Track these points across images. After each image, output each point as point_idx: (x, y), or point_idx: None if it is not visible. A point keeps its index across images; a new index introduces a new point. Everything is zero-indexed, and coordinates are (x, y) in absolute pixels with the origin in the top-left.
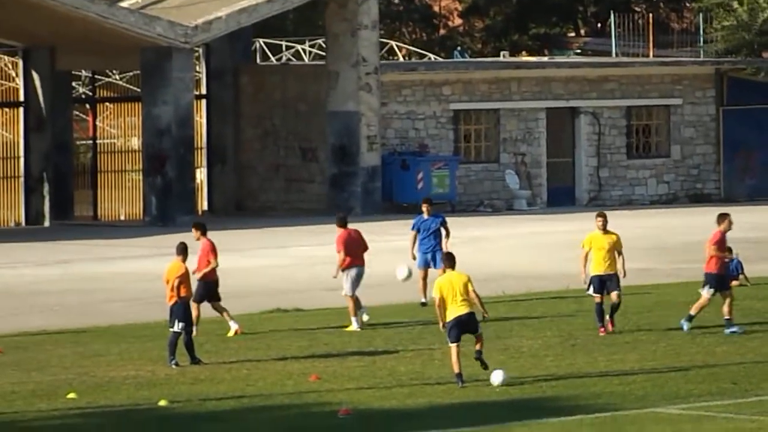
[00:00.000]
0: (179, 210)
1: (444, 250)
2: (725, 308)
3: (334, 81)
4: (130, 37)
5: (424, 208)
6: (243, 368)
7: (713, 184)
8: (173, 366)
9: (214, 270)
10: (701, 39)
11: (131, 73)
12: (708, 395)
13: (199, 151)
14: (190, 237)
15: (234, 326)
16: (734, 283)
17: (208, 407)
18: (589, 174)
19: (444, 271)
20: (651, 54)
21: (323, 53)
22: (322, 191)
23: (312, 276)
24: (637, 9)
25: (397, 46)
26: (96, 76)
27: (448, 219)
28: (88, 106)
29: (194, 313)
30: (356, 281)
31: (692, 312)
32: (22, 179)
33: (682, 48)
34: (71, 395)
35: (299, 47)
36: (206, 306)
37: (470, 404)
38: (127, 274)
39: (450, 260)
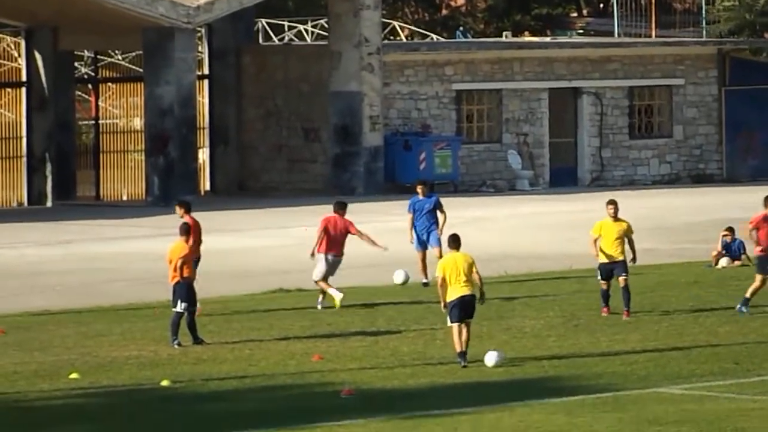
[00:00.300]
0: (181, 190)
1: (438, 231)
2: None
3: (337, 61)
4: (132, 17)
5: (419, 189)
6: (245, 348)
7: (715, 165)
8: (176, 346)
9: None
10: (704, 19)
11: (134, 54)
12: (710, 375)
13: (202, 131)
14: (193, 217)
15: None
16: (737, 263)
17: (210, 387)
18: (591, 154)
19: (440, 255)
20: (653, 34)
21: (325, 33)
22: (325, 171)
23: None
24: None
25: (399, 26)
26: (98, 56)
27: (450, 199)
28: (90, 86)
29: None
30: (330, 269)
31: (747, 295)
32: (24, 159)
33: (685, 28)
34: (74, 375)
35: (301, 27)
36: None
37: (472, 384)
38: (130, 254)
39: (455, 241)
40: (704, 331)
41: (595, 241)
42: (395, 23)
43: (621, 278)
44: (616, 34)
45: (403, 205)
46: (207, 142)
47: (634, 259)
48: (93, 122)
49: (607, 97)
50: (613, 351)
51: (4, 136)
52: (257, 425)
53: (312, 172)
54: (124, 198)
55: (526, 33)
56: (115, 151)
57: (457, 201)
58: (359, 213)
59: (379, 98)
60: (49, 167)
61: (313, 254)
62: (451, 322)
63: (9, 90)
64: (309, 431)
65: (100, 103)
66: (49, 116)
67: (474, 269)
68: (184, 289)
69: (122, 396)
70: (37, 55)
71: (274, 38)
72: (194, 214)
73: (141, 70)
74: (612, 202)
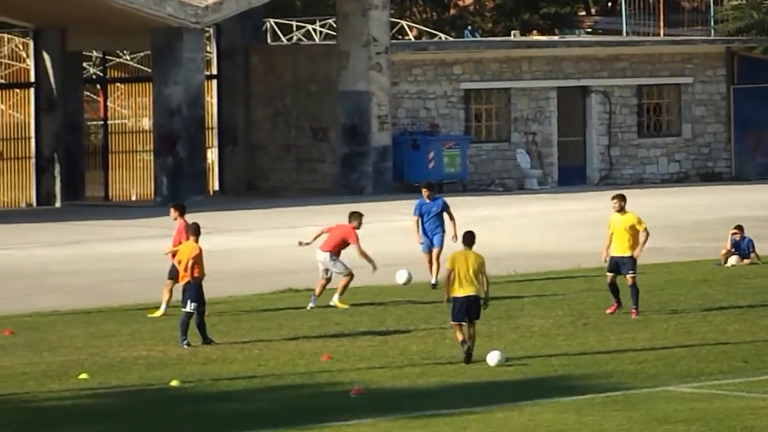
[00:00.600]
0: (190, 190)
1: (450, 232)
2: None
3: (345, 61)
4: (140, 18)
5: (424, 192)
6: (255, 348)
7: (724, 163)
8: (185, 346)
9: None
10: (712, 18)
11: (142, 54)
12: (720, 374)
13: (210, 131)
14: (203, 217)
15: (162, 308)
16: (745, 261)
17: (219, 387)
18: (600, 153)
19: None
20: (662, 33)
21: (334, 33)
22: (333, 171)
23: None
24: None
25: (407, 25)
26: (107, 57)
27: (459, 198)
28: (99, 86)
29: (167, 294)
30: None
31: None
32: (33, 160)
33: (693, 27)
34: (83, 376)
35: (310, 27)
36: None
37: (482, 383)
38: (139, 255)
39: (470, 238)
40: (713, 329)
41: (610, 236)
42: (403, 23)
43: (628, 276)
44: (624, 33)
45: (411, 205)
46: (216, 142)
47: (637, 253)
48: (102, 123)
49: (616, 95)
50: (623, 350)
51: (13, 136)
52: (266, 425)
53: (321, 172)
54: (133, 198)
55: (535, 32)
56: (124, 152)
57: (465, 200)
58: (368, 213)
59: (387, 98)
60: (57, 168)
61: (309, 242)
62: (453, 320)
63: (18, 91)
64: (318, 431)
65: (108, 104)
66: (57, 117)
67: (482, 270)
68: (194, 289)
69: (131, 396)
70: (46, 56)
71: (283, 38)
72: (204, 214)
73: (149, 70)
74: (616, 197)
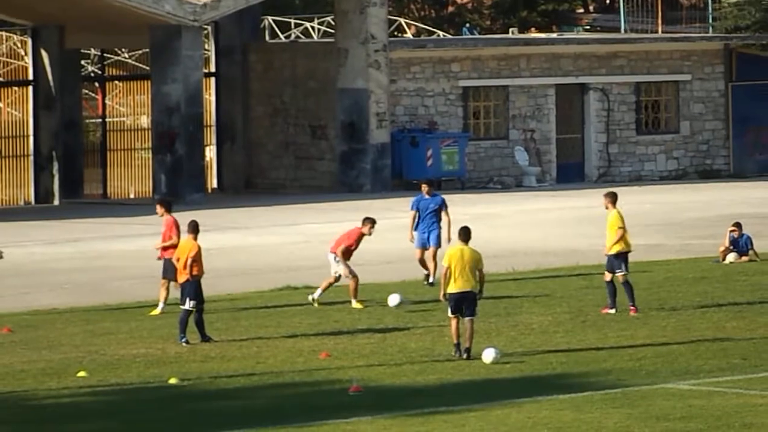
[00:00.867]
0: (189, 188)
1: (443, 233)
2: None
3: (343, 58)
4: (138, 15)
5: (424, 188)
6: (253, 346)
7: (722, 160)
8: (183, 344)
9: (175, 246)
10: (710, 15)
11: (140, 52)
12: (718, 371)
13: (209, 128)
14: (202, 215)
15: (160, 307)
16: (744, 258)
17: (218, 385)
18: (598, 150)
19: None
20: (660, 30)
21: (332, 30)
22: (332, 168)
23: (322, 253)
24: None
25: (405, 23)
26: (105, 55)
27: (457, 196)
28: (97, 84)
29: (164, 291)
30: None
31: None
32: (31, 158)
33: (691, 24)
34: (81, 374)
35: (308, 25)
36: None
37: (480, 381)
38: (137, 252)
39: (466, 234)
40: (712, 326)
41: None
42: (401, 20)
43: (617, 274)
44: (622, 30)
45: (409, 202)
46: (214, 140)
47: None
48: (100, 120)
49: (614, 93)
50: (621, 347)
51: (11, 134)
52: (265, 423)
53: (319, 170)
54: (132, 196)
55: (533, 29)
56: (122, 149)
57: (464, 198)
58: (366, 210)
59: (385, 95)
60: (56, 166)
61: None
62: (449, 313)
63: (16, 89)
64: (317, 428)
65: (106, 102)
66: (56, 115)
67: (479, 265)
68: (193, 287)
69: (130, 394)
70: (44, 54)
71: (281, 36)
72: (202, 212)
73: (148, 68)
74: (605, 195)
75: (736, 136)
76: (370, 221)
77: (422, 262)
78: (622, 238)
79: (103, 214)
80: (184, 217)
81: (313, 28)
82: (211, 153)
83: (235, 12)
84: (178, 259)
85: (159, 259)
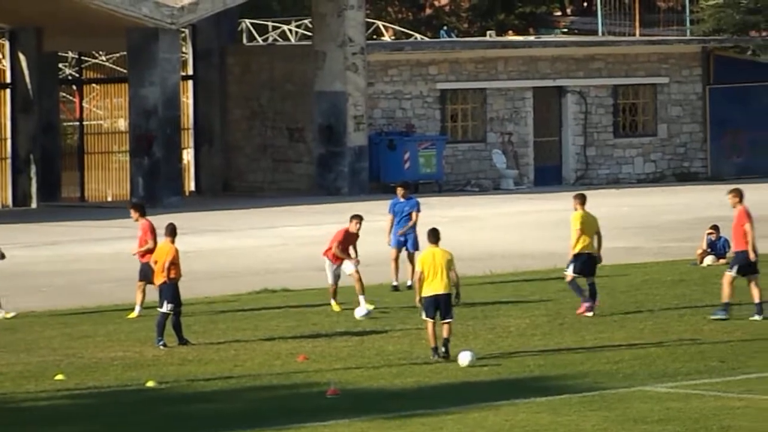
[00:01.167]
0: (166, 191)
1: (403, 230)
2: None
3: (321, 61)
4: (116, 18)
5: (399, 191)
6: (231, 349)
7: (700, 163)
8: (161, 347)
9: (152, 251)
10: (688, 17)
11: (118, 54)
12: (696, 373)
13: (186, 131)
14: (179, 218)
15: (137, 310)
16: (722, 261)
17: (196, 388)
18: (576, 153)
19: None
20: (637, 33)
21: (310, 33)
22: (310, 171)
23: (300, 256)
24: None
25: (383, 26)
26: (83, 58)
27: (435, 199)
28: (74, 87)
29: (140, 294)
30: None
31: None
32: (9, 161)
33: (669, 26)
34: (59, 377)
35: (285, 28)
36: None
37: (458, 384)
38: (115, 255)
39: (435, 236)
40: (689, 329)
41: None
42: (379, 23)
43: (566, 272)
44: (600, 33)
45: (387, 205)
46: (191, 143)
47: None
48: (77, 123)
49: (592, 95)
50: (599, 349)
51: None
52: (243, 426)
53: (297, 172)
54: (109, 199)
55: (510, 32)
56: (100, 152)
57: (441, 201)
58: (344, 213)
59: (363, 98)
60: (33, 169)
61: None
62: (425, 317)
63: None
64: (294, 431)
65: (84, 105)
66: (33, 118)
67: (452, 266)
68: (171, 290)
69: (108, 397)
70: (22, 57)
71: (258, 38)
72: (180, 215)
73: (125, 71)
74: (574, 196)
75: (713, 139)
76: (357, 217)
77: (395, 264)
78: (580, 240)
79: (81, 217)
80: (161, 220)
81: (290, 30)
82: (188, 156)
83: (213, 15)
84: (155, 262)
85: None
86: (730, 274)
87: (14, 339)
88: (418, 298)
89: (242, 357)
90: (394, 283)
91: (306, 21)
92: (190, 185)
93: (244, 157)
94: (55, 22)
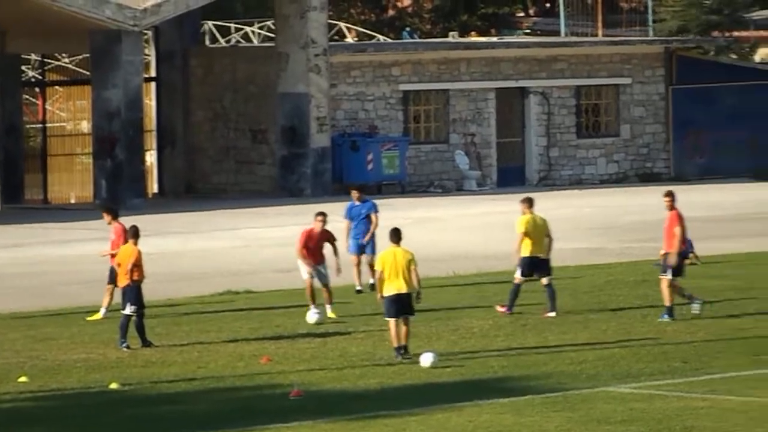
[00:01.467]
0: (129, 193)
1: (366, 237)
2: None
3: (284, 63)
4: (79, 21)
5: (354, 195)
6: (194, 351)
7: (663, 163)
8: (124, 349)
9: None
10: (650, 18)
11: (81, 57)
12: (659, 374)
13: (149, 133)
14: (142, 220)
15: (102, 312)
16: (684, 261)
17: (159, 389)
18: (539, 154)
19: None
20: (600, 33)
21: (272, 35)
22: (273, 173)
23: (263, 258)
24: None
25: (346, 27)
26: (46, 60)
27: (398, 200)
28: (37, 89)
29: (108, 297)
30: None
31: None
32: None
33: (632, 27)
34: (22, 379)
35: (248, 29)
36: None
37: (421, 385)
38: (78, 257)
39: (396, 235)
40: (652, 329)
41: None
42: (342, 24)
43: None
44: (562, 34)
45: (344, 210)
46: (154, 145)
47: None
48: (40, 126)
49: (554, 96)
50: (562, 350)
51: None
52: (206, 427)
53: (260, 174)
54: (72, 201)
55: (473, 33)
56: (63, 155)
57: (404, 201)
58: (307, 214)
59: (326, 99)
60: None
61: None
62: (387, 316)
63: None
64: None
65: (47, 107)
66: None
67: (412, 266)
68: (134, 292)
69: (71, 399)
70: None
71: (221, 40)
72: (143, 217)
73: (88, 73)
74: (521, 201)
75: (676, 139)
76: (320, 215)
77: (358, 269)
78: (526, 243)
79: (44, 219)
80: (124, 223)
81: (253, 32)
82: (151, 158)
83: (176, 17)
84: (119, 265)
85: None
86: (666, 278)
87: None
88: (379, 296)
89: (205, 359)
90: (358, 288)
91: (268, 23)
92: (153, 187)
93: (207, 158)
94: (18, 24)
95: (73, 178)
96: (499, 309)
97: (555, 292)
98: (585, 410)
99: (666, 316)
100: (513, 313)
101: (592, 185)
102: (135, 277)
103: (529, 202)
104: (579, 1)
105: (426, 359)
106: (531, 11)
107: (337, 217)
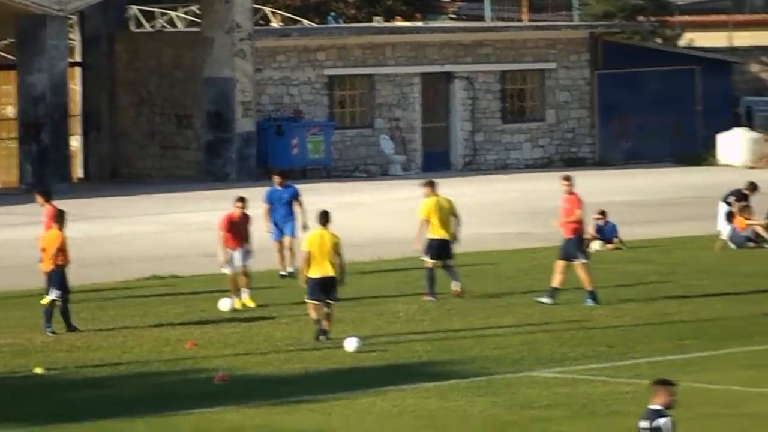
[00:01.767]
0: (54, 177)
1: (298, 223)
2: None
3: (209, 47)
4: (4, 5)
5: (276, 179)
6: (119, 335)
7: (588, 148)
8: (49, 333)
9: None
10: (576, 3)
11: (6, 42)
12: (584, 358)
13: (74, 118)
14: (67, 204)
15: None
16: (609, 246)
17: (84, 374)
18: (464, 139)
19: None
20: (525, 18)
21: (198, 20)
22: (198, 158)
23: (188, 242)
24: None
25: (271, 11)
26: None
27: (323, 185)
28: None
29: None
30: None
31: None
32: None
33: (557, 12)
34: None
35: (173, 14)
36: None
37: (346, 370)
38: (4, 242)
39: (324, 218)
40: (577, 314)
41: None
42: (267, 9)
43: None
44: (487, 19)
45: (264, 194)
46: (80, 130)
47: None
48: None
49: (479, 81)
50: (486, 335)
51: None
52: (131, 412)
53: (185, 159)
54: None
55: (398, 18)
56: None
57: (330, 186)
58: (230, 199)
59: (251, 84)
60: None
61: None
62: (308, 298)
63: None
64: (182, 418)
65: None
66: None
67: (338, 250)
68: (58, 277)
69: None
70: None
71: (146, 25)
72: (68, 201)
73: (13, 58)
74: (422, 184)
75: (601, 124)
76: (239, 200)
77: (281, 255)
78: (427, 226)
79: None
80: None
81: (178, 17)
82: (76, 142)
83: (101, 2)
84: (43, 250)
85: None
86: (580, 262)
87: None
88: (303, 279)
89: (130, 343)
90: (282, 272)
91: (194, 7)
92: (79, 172)
93: (132, 143)
94: None
95: None
96: (424, 298)
97: (456, 274)
98: (509, 395)
99: (590, 301)
100: (438, 299)
101: (517, 170)
102: (59, 262)
103: (432, 185)
104: None
105: (350, 344)
106: None
107: (260, 202)
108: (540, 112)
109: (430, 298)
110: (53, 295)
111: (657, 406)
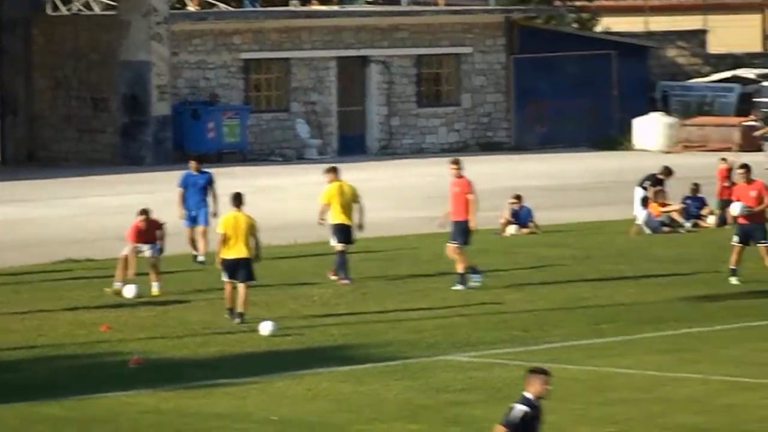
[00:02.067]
0: None
1: (211, 209)
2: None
3: (125, 31)
4: None
5: (192, 164)
6: (34, 319)
7: (504, 133)
8: None
9: None
10: None
11: None
12: (499, 343)
13: None
14: None
15: None
16: (524, 230)
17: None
18: (379, 123)
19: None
20: (441, 3)
21: (114, 3)
22: (114, 141)
23: (103, 226)
24: None
25: None
26: None
27: (239, 168)
28: None
29: None
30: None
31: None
32: None
33: None
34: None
35: None
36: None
37: (261, 353)
38: None
39: (238, 200)
40: (492, 298)
41: None
42: None
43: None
44: (404, 3)
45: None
46: None
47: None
48: None
49: (395, 65)
50: (402, 319)
51: None
52: (45, 395)
53: (101, 142)
54: None
55: (315, 1)
56: None
57: (246, 170)
58: (147, 183)
59: (167, 67)
60: None
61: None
62: (224, 278)
63: None
64: (97, 401)
65: None
66: None
67: (253, 231)
68: None
69: None
70: None
71: (62, 8)
72: None
73: None
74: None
75: (517, 108)
76: (142, 213)
77: (192, 241)
78: (330, 211)
79: None
80: None
81: (95, 0)
82: None
83: None
84: None
85: None
86: (454, 246)
87: None
88: (218, 260)
89: (45, 327)
90: (200, 258)
91: None
92: None
93: (48, 127)
94: None
95: None
96: (340, 282)
97: (346, 261)
98: (424, 379)
99: (459, 285)
100: (353, 282)
101: (432, 154)
102: None
103: (335, 171)
104: None
105: (265, 327)
106: None
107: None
108: (456, 97)
109: (345, 282)
110: None
111: (529, 395)
